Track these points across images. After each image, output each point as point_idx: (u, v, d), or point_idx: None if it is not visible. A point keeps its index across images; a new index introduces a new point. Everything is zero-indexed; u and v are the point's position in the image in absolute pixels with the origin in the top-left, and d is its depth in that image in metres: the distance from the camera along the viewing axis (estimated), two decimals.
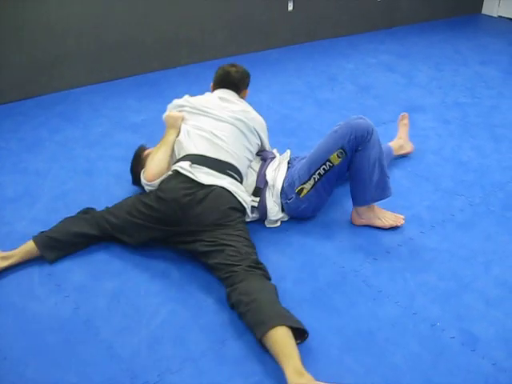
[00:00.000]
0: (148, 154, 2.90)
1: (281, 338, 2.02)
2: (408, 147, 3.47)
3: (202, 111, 2.86)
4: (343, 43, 5.97)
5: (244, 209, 2.66)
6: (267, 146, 3.01)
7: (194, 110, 2.88)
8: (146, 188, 2.76)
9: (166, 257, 2.61)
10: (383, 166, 2.73)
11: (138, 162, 2.98)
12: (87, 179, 3.29)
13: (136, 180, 2.97)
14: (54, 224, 2.64)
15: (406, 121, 3.53)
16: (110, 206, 2.73)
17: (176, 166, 2.65)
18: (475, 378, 2.03)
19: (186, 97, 2.99)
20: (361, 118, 2.70)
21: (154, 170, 2.72)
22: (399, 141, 3.46)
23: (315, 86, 4.78)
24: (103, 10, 4.54)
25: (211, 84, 3.10)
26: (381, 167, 2.71)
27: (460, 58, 5.57)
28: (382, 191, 2.76)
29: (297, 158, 2.95)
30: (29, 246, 2.53)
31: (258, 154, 2.98)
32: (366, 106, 4.36)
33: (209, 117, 2.83)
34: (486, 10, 7.20)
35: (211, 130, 2.76)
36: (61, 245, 2.58)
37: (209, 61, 5.17)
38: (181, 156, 2.73)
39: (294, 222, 2.87)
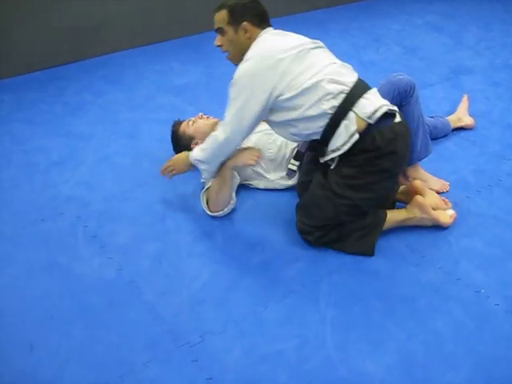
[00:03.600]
0: (185, 128, 2.87)
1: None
2: (467, 120, 3.38)
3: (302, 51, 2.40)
4: (389, 3, 5.82)
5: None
6: None
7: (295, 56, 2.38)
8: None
9: (210, 220, 2.62)
10: (424, 123, 2.73)
11: (178, 140, 2.92)
12: (130, 142, 3.31)
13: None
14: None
15: (465, 98, 3.48)
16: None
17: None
18: None
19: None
20: (401, 75, 2.66)
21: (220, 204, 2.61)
22: (457, 114, 3.40)
23: (360, 47, 4.69)
24: None
25: (243, 23, 2.52)
26: (423, 124, 2.71)
27: (511, 17, 5.38)
28: (425, 148, 2.75)
29: None
30: None
31: None
32: (413, 67, 4.26)
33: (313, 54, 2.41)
34: None
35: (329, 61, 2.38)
36: None
37: None
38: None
39: None
